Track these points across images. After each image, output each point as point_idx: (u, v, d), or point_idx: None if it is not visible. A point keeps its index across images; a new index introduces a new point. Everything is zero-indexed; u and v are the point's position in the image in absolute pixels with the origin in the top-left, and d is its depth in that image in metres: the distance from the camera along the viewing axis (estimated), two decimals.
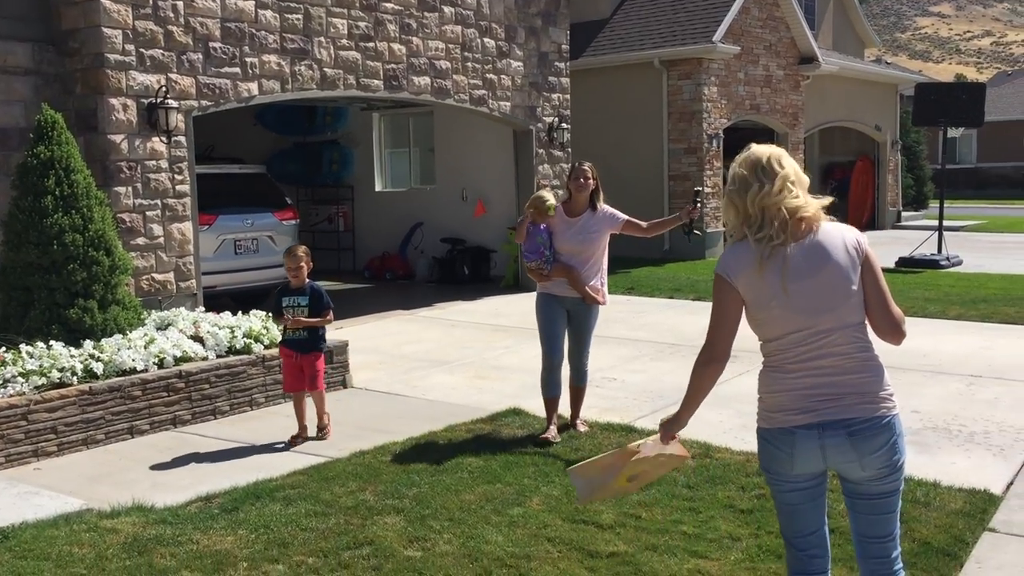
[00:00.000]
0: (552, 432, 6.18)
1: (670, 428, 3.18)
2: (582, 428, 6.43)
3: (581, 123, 16.67)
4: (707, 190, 17.30)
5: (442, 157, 15.53)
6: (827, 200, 3.01)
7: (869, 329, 2.97)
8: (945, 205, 17.70)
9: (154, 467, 5.76)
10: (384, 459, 5.78)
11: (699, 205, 5.97)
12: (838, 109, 22.46)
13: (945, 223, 17.32)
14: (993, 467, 5.70)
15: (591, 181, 6.19)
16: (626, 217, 6.29)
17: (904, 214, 25.78)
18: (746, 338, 3.11)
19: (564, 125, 14.04)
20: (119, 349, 6.65)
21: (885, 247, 18.63)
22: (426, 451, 5.94)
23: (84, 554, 4.12)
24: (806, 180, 2.98)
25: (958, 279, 14.10)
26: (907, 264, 15.69)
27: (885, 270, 13.01)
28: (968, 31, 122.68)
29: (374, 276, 15.45)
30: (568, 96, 14.19)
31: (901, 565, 3.05)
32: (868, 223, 24.31)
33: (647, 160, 17.31)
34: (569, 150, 14.28)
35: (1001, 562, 4.37)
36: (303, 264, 6.51)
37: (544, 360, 6.32)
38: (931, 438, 6.31)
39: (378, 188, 16.48)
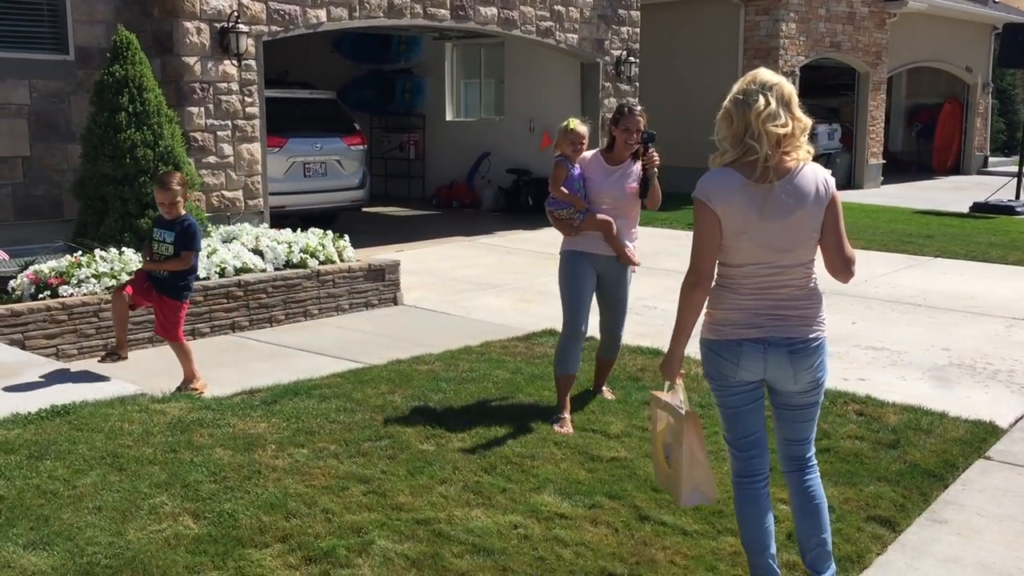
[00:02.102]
0: (567, 423, 5.13)
1: (668, 368, 3.27)
2: (609, 395, 5.67)
3: (653, 58, 16.59)
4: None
5: (512, 88, 15.70)
6: (813, 150, 3.17)
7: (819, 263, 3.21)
8: None
9: (210, 365, 6.26)
10: (418, 368, 6.17)
11: (651, 150, 5.09)
12: (926, 49, 21.76)
13: None
14: (1008, 403, 5.81)
15: (639, 136, 5.18)
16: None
17: (992, 159, 24.97)
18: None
19: (632, 59, 14.05)
20: None
21: (965, 192, 18.23)
22: (458, 363, 6.31)
23: (132, 429, 4.62)
24: (808, 123, 3.12)
25: None
26: (981, 209, 15.38)
27: (958, 215, 12.84)
28: None
29: (441, 204, 15.83)
30: (638, 30, 14.16)
31: (815, 463, 3.34)
32: (953, 168, 23.68)
33: (721, 97, 17.04)
34: (637, 84, 14.30)
35: (986, 486, 4.55)
36: (178, 199, 5.58)
37: (566, 328, 5.29)
38: (953, 374, 6.42)
39: (448, 118, 16.76)
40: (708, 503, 3.47)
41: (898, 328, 7.67)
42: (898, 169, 22.56)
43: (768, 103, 3.03)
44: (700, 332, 3.30)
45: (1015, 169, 16.82)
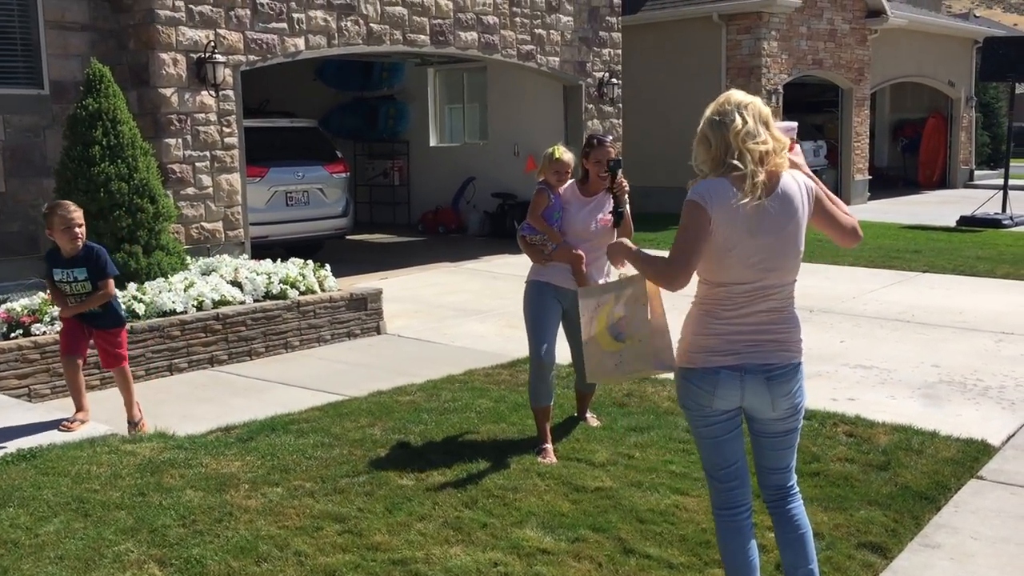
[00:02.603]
0: (549, 452, 5.01)
1: (615, 249, 3.23)
2: (594, 422, 5.57)
3: (638, 79, 16.61)
4: None
5: (495, 113, 15.67)
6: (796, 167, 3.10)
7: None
8: (1017, 164, 17.20)
9: (186, 401, 6.13)
10: (399, 399, 6.05)
11: (618, 178, 4.61)
12: (909, 64, 21.84)
13: (1014, 182, 16.84)
14: (999, 420, 5.71)
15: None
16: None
17: (977, 173, 25.03)
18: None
19: (615, 80, 14.03)
20: (160, 292, 7.04)
21: (951, 206, 18.23)
22: (440, 393, 6.19)
23: (100, 472, 4.49)
24: (787, 142, 3.04)
25: (1017, 239, 13.76)
26: (968, 223, 15.35)
27: (945, 229, 12.76)
28: None
29: (427, 230, 15.74)
30: (619, 51, 14.15)
31: (798, 490, 3.23)
32: (938, 182, 23.72)
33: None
34: (620, 105, 14.28)
35: (979, 507, 4.44)
36: (80, 225, 5.19)
37: (533, 362, 5.16)
38: (944, 391, 6.33)
39: (433, 143, 16.71)
40: (671, 371, 3.25)
41: (887, 345, 7.58)
42: (884, 184, 22.60)
43: (746, 121, 2.96)
44: (676, 360, 3.19)
45: (1001, 182, 16.85)
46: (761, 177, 2.93)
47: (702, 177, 3.06)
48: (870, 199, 20.19)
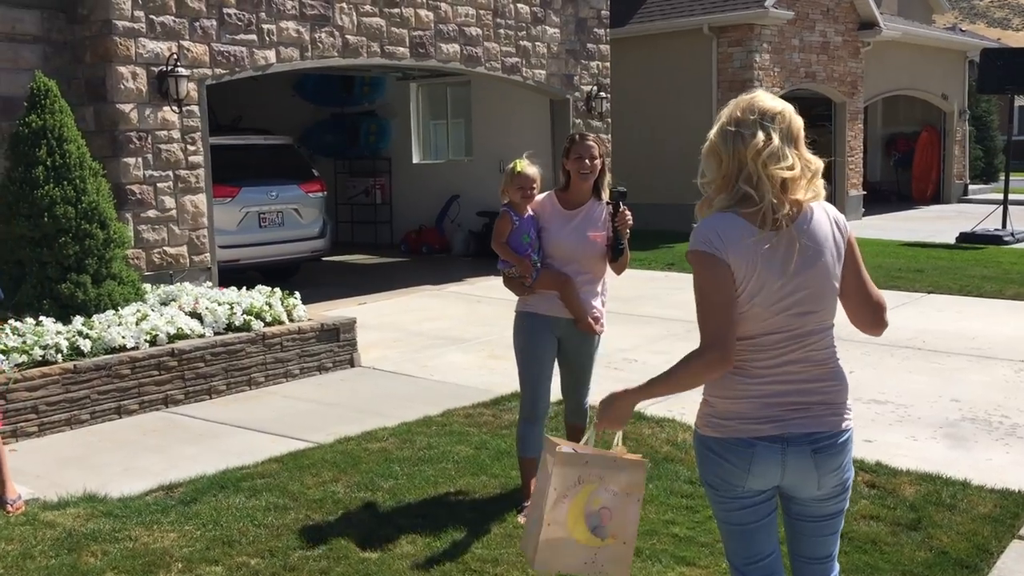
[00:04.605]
0: None
1: (614, 411, 2.50)
2: None
3: (627, 93, 16.10)
4: None
5: (479, 128, 15.12)
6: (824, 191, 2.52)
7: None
8: (1016, 178, 16.73)
9: (130, 450, 5.51)
10: (368, 446, 5.44)
11: (623, 210, 4.37)
12: (901, 77, 21.41)
13: (1014, 197, 16.37)
14: None
15: (597, 162, 4.36)
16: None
17: (971, 187, 24.60)
18: None
19: (603, 94, 13.50)
20: (109, 326, 6.42)
21: (948, 222, 17.77)
22: (415, 438, 5.59)
23: (9, 551, 3.86)
24: (820, 165, 2.44)
25: (1020, 256, 13.26)
26: (968, 240, 14.85)
27: (945, 246, 12.10)
28: None
29: (410, 250, 15.15)
30: (608, 64, 13.63)
31: None
32: (932, 197, 23.28)
33: (695, 131, 16.51)
34: (609, 120, 13.75)
35: None
36: None
37: (523, 409, 4.57)
38: (968, 430, 5.76)
39: (415, 160, 16.15)
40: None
41: (899, 376, 7.02)
42: (878, 199, 22.13)
43: (769, 138, 2.34)
44: (696, 425, 2.59)
45: (995, 197, 16.43)
46: (785, 210, 2.35)
47: (706, 201, 2.46)
48: (865, 215, 19.70)
